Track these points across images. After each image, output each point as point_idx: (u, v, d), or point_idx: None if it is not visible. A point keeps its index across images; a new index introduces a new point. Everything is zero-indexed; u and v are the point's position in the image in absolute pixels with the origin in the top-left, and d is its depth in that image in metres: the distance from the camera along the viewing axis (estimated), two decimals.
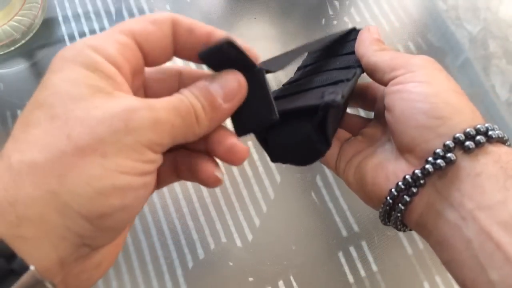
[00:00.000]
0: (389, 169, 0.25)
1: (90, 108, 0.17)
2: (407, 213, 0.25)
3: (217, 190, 0.48)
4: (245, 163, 0.49)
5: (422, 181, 0.23)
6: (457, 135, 0.22)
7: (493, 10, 0.60)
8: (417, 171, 0.23)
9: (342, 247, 0.46)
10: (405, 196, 0.24)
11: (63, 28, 0.55)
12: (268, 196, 0.48)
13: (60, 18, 0.55)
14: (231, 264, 0.45)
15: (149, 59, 0.21)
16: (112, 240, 0.19)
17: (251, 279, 0.44)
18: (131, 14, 0.56)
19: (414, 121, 0.24)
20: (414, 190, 0.24)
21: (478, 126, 0.23)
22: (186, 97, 0.20)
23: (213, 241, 0.45)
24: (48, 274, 0.16)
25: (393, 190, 0.24)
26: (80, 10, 0.56)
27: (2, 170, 0.16)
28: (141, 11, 0.56)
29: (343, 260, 0.45)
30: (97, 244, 0.18)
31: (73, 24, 0.55)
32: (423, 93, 0.24)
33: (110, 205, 0.17)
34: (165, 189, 0.48)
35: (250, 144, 0.50)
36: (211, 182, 0.22)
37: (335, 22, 0.57)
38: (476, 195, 0.22)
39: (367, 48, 0.28)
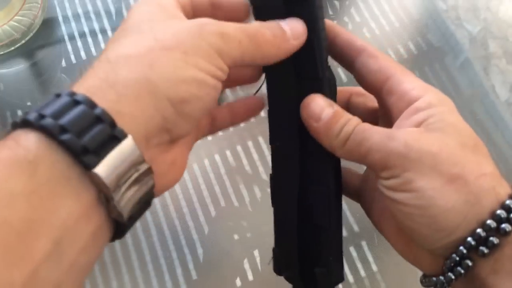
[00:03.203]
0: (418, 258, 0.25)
1: (170, 24, 0.22)
2: None
3: (217, 190, 0.48)
4: (245, 163, 0.49)
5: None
6: (468, 239, 0.21)
7: (493, 10, 0.60)
8: (441, 278, 0.23)
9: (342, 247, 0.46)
10: None
11: (63, 28, 0.55)
12: (267, 195, 0.48)
13: (60, 18, 0.55)
14: (231, 263, 0.45)
15: None
16: (186, 132, 0.22)
17: (251, 278, 0.44)
18: None
19: (419, 233, 0.23)
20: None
21: (488, 221, 0.21)
22: (255, 25, 0.23)
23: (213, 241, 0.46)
24: (138, 147, 0.19)
25: None
26: (80, 10, 0.56)
27: (102, 63, 0.20)
28: None
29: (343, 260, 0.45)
30: (175, 132, 0.21)
31: (73, 24, 0.55)
32: (420, 206, 0.22)
33: (190, 92, 0.20)
34: None
35: (250, 144, 0.50)
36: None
37: (335, 22, 0.57)
38: None
39: (330, 141, 0.25)
